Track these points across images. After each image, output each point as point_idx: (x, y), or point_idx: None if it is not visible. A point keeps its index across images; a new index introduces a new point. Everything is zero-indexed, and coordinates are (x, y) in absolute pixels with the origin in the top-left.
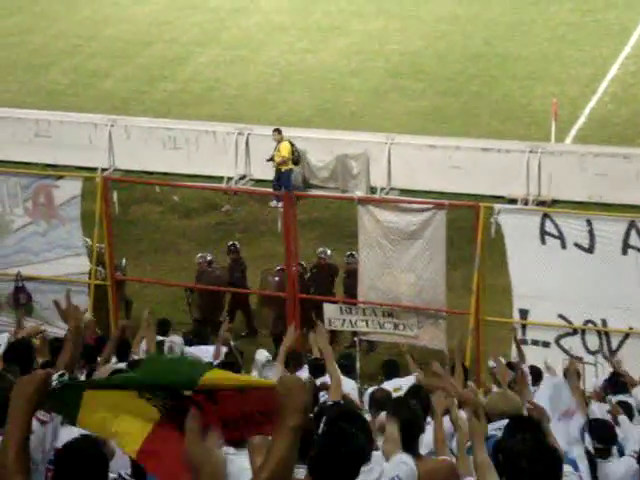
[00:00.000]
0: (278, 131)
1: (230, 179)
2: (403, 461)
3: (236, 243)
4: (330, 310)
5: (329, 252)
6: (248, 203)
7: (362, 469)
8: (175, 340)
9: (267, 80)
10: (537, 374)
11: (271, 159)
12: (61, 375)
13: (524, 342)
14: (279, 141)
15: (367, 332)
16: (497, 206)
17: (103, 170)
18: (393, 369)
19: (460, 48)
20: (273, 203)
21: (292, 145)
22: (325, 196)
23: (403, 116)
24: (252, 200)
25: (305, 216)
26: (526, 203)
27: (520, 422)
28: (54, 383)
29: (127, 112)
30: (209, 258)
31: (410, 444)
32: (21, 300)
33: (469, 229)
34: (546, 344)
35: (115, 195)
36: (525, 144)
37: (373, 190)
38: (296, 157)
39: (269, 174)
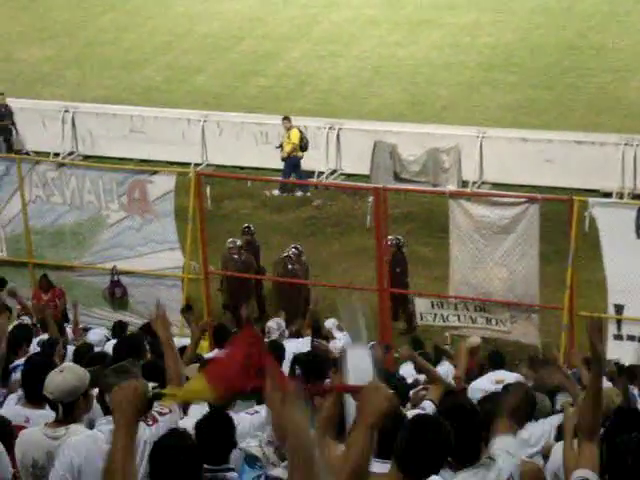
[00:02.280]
0: (288, 119)
1: (321, 174)
2: (508, 451)
3: (251, 226)
4: (422, 304)
5: (401, 239)
6: (339, 198)
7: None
8: (272, 325)
9: (358, 74)
10: (632, 373)
11: (280, 146)
12: (154, 387)
13: (619, 337)
14: (289, 128)
15: (459, 327)
16: (591, 200)
17: (196, 165)
18: (498, 360)
19: (554, 40)
20: (276, 192)
21: (301, 132)
22: (416, 190)
23: (495, 109)
24: (343, 195)
25: (396, 211)
26: (621, 196)
27: (628, 417)
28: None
29: (219, 108)
30: (238, 243)
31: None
32: (117, 294)
33: (562, 223)
34: None
35: (208, 190)
36: (620, 136)
37: (465, 184)
38: (305, 144)
39: (360, 169)
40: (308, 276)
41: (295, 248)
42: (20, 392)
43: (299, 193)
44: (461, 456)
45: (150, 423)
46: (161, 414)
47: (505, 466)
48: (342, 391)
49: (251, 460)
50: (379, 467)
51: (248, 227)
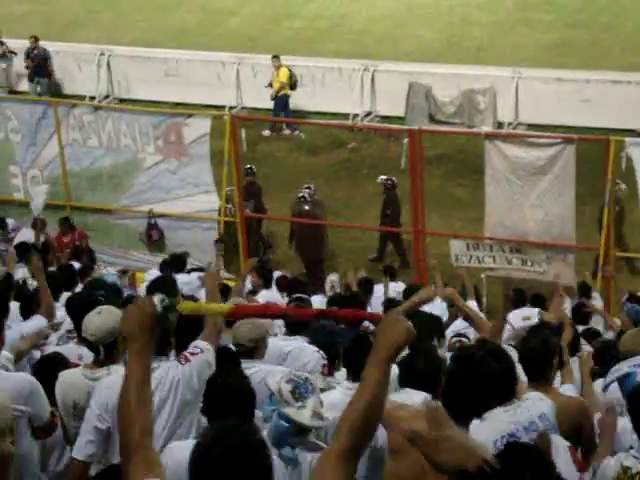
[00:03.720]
0: (277, 58)
1: (356, 116)
2: (540, 397)
3: (253, 167)
4: (457, 246)
5: (393, 179)
6: (374, 140)
7: (506, 409)
8: (334, 279)
9: (393, 15)
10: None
11: (270, 85)
12: (162, 300)
13: None
14: (278, 67)
15: (494, 268)
16: (628, 139)
17: (231, 108)
18: (521, 297)
19: None
20: (266, 132)
21: (290, 71)
22: (451, 132)
23: (531, 49)
24: (378, 136)
25: (431, 152)
26: None
27: None
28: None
29: (254, 50)
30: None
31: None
32: (153, 237)
33: (599, 163)
34: None
35: (243, 133)
36: None
37: (500, 125)
38: (294, 82)
39: (395, 110)
40: (324, 215)
41: (308, 188)
42: (62, 331)
43: (287, 132)
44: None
45: (183, 362)
46: (193, 354)
47: (535, 406)
48: (362, 319)
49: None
50: (414, 396)
51: (250, 167)
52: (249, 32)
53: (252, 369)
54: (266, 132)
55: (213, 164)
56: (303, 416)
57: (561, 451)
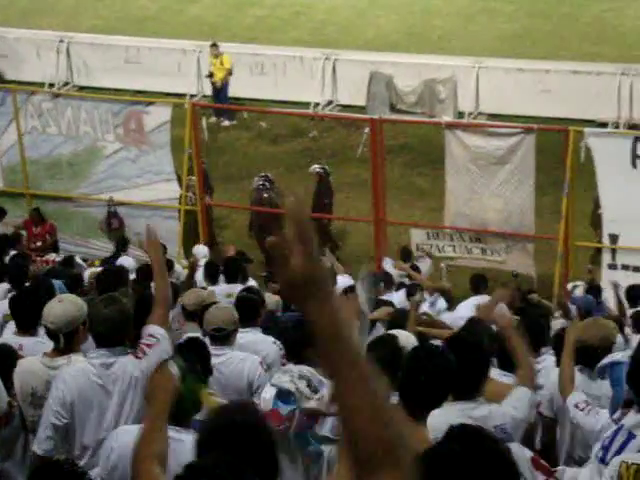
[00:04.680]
0: (216, 46)
1: (317, 105)
2: (503, 412)
3: (268, 175)
4: (417, 235)
5: (318, 168)
6: (335, 129)
7: (466, 405)
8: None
9: (354, 4)
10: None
11: (210, 75)
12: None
13: (614, 267)
14: (217, 55)
15: (454, 257)
16: (587, 130)
17: (192, 96)
18: (481, 284)
19: None
20: (226, 123)
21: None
22: (412, 121)
23: (492, 39)
24: (339, 126)
25: (392, 142)
26: (617, 126)
27: None
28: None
29: (215, 38)
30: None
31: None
32: (113, 225)
33: (558, 153)
34: (637, 269)
35: (204, 121)
36: (616, 66)
37: (461, 115)
38: (232, 69)
39: (356, 99)
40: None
41: (265, 176)
42: None
43: (226, 123)
44: (458, 390)
45: (140, 355)
46: (149, 345)
47: (498, 412)
48: None
49: (284, 395)
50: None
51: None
52: (210, 20)
53: (223, 356)
54: (226, 123)
55: (174, 152)
56: (323, 404)
57: (523, 464)
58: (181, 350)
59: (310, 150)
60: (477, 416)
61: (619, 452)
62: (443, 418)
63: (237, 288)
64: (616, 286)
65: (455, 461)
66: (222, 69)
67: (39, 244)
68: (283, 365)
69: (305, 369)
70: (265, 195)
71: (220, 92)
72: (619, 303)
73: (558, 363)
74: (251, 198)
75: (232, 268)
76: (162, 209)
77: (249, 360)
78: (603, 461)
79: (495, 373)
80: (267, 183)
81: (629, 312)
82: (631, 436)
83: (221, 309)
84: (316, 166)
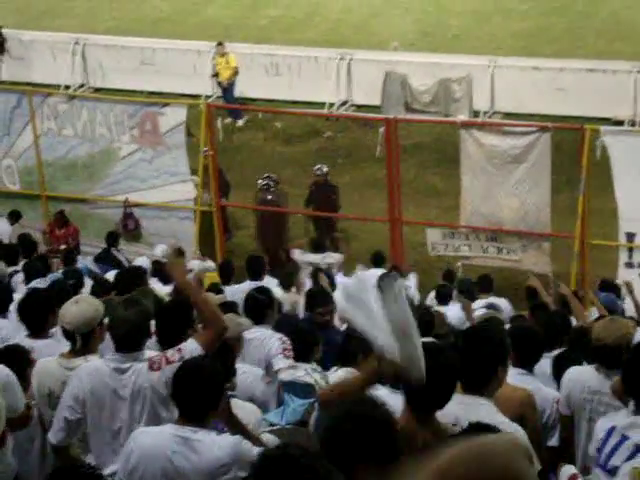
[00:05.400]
0: (222, 44)
1: (332, 105)
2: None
3: (272, 176)
4: (433, 235)
5: (325, 169)
6: (350, 129)
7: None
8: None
9: (369, 4)
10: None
11: (215, 75)
12: None
13: (630, 265)
14: (223, 54)
15: (470, 256)
16: (603, 128)
17: (207, 97)
18: (488, 285)
19: None
20: (239, 122)
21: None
22: (427, 120)
23: (507, 38)
24: (354, 125)
25: (407, 141)
26: (633, 124)
27: None
28: None
29: (230, 39)
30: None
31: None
32: (129, 226)
33: (574, 152)
34: None
35: (219, 122)
36: (632, 64)
37: (476, 114)
38: (238, 68)
39: (371, 99)
40: (287, 205)
41: (269, 177)
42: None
43: (239, 122)
44: (467, 383)
45: (155, 367)
46: (169, 362)
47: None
48: None
49: (304, 389)
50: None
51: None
52: (225, 21)
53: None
54: (240, 122)
55: (189, 153)
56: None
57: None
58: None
59: (325, 150)
60: (478, 414)
61: (612, 454)
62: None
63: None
64: (629, 286)
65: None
66: (228, 68)
67: (62, 247)
68: (286, 357)
69: (313, 365)
70: (269, 197)
71: (227, 92)
72: (635, 304)
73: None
74: (256, 199)
75: (254, 266)
76: (178, 210)
77: (252, 374)
78: (598, 463)
79: (512, 372)
80: (271, 183)
81: None
82: (624, 438)
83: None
84: (318, 166)
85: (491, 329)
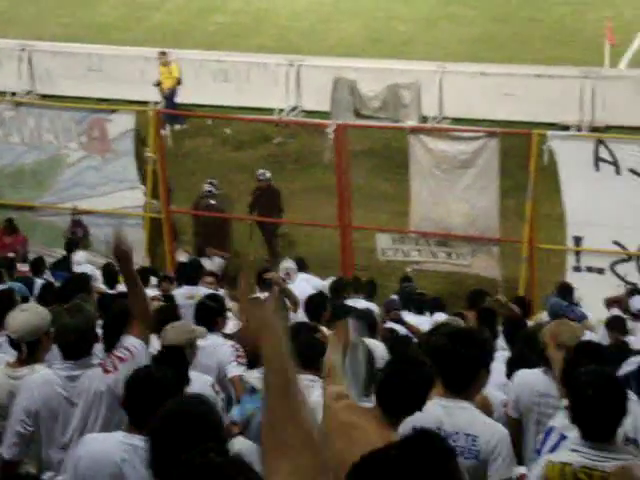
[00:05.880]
0: (165, 54)
1: (281, 111)
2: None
3: (265, 172)
4: (383, 240)
5: (268, 174)
6: (299, 134)
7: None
8: (290, 265)
9: (317, 10)
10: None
11: (158, 84)
12: None
13: (578, 269)
14: (166, 64)
15: (420, 261)
16: (550, 133)
17: (155, 104)
18: (438, 304)
19: None
20: (177, 127)
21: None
22: (376, 126)
23: (454, 44)
24: (304, 131)
25: (356, 147)
26: (579, 129)
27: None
28: None
29: (178, 45)
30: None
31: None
32: (78, 234)
33: (522, 157)
34: (600, 271)
35: (168, 129)
36: (578, 69)
37: (425, 119)
38: (180, 78)
39: (321, 104)
40: (231, 210)
41: (210, 183)
42: None
43: (177, 126)
44: (449, 385)
45: (110, 369)
46: (121, 360)
47: (485, 424)
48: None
49: (252, 391)
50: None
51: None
52: (173, 27)
53: None
54: (177, 127)
55: (137, 160)
56: None
57: None
58: (158, 361)
59: (275, 156)
60: (460, 417)
61: (551, 452)
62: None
63: (199, 291)
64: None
65: (386, 467)
66: (171, 78)
67: (10, 255)
68: (239, 365)
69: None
70: (211, 202)
71: (168, 100)
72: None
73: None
74: (196, 205)
75: (190, 271)
76: (127, 217)
77: (199, 382)
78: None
79: (489, 388)
80: (213, 189)
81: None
82: (562, 437)
83: (174, 328)
84: (261, 170)
85: (475, 332)
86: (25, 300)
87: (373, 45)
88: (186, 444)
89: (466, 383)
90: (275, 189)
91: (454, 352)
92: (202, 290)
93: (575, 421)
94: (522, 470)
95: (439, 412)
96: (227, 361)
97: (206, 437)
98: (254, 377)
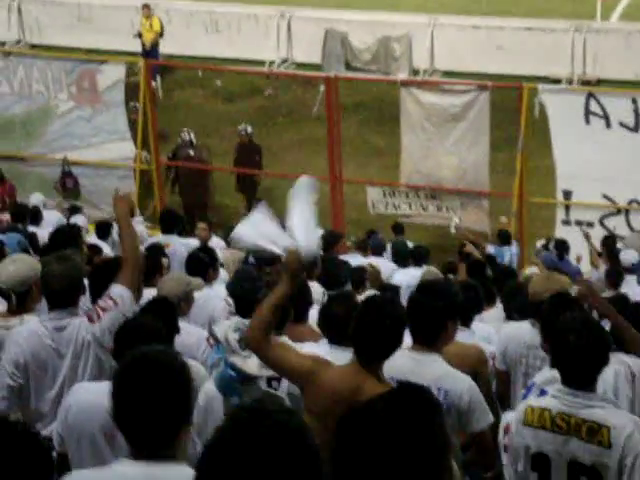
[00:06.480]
0: (148, 7)
1: (272, 62)
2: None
3: (247, 127)
4: (373, 193)
5: (250, 129)
6: (290, 87)
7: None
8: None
9: None
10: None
11: (138, 35)
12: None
13: (567, 223)
14: (147, 17)
15: (410, 215)
16: (541, 86)
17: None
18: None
19: None
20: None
21: (160, 20)
22: (367, 79)
23: None
24: (294, 84)
25: (347, 99)
26: (570, 83)
27: (563, 299)
28: None
29: None
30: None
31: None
32: (68, 185)
33: (513, 110)
34: (590, 224)
35: (159, 80)
36: (570, 23)
37: (416, 72)
38: (162, 31)
39: (312, 57)
40: (210, 159)
41: (188, 133)
42: None
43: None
44: (417, 338)
45: (94, 319)
46: (104, 310)
47: (456, 378)
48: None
49: (217, 341)
50: (339, 354)
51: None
52: None
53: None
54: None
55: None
56: (250, 365)
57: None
58: (146, 311)
59: (265, 108)
60: (430, 370)
61: None
62: (392, 362)
63: (172, 239)
64: (588, 236)
65: (372, 421)
66: (151, 32)
67: None
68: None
69: (247, 322)
70: (190, 152)
71: (149, 54)
72: (594, 252)
73: (508, 316)
74: (176, 155)
75: (167, 220)
76: (117, 168)
77: (196, 335)
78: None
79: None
80: (192, 138)
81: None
82: (543, 392)
83: (170, 280)
84: (241, 126)
85: (442, 284)
86: (26, 252)
87: None
88: (147, 393)
89: (434, 335)
90: (256, 145)
91: (420, 303)
92: (192, 242)
93: (556, 366)
94: (508, 419)
95: (410, 364)
96: (218, 316)
97: (171, 394)
98: (220, 328)
